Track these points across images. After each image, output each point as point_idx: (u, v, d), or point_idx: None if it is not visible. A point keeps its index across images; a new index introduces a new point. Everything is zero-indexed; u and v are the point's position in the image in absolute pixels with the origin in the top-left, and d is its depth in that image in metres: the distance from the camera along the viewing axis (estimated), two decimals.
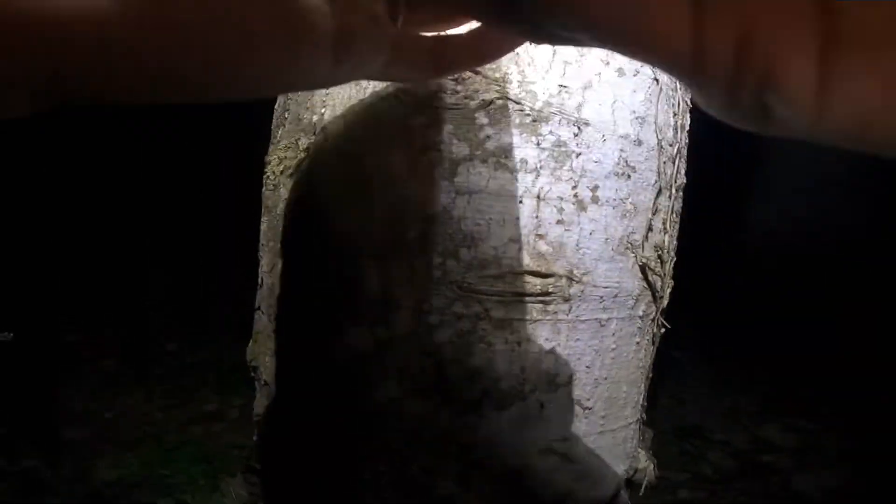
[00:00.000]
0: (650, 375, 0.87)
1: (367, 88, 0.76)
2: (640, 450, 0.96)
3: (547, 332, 0.75)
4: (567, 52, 0.76)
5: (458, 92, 0.75)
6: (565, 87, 0.74)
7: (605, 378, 0.80)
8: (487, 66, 0.75)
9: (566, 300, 0.74)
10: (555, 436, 0.80)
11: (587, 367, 0.78)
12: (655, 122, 0.76)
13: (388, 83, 0.74)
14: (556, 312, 0.74)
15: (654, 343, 0.83)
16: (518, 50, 0.78)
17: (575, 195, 0.71)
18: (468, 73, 0.76)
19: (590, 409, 0.81)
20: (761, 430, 1.70)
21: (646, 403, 0.89)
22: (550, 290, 0.73)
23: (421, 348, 0.75)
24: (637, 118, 0.75)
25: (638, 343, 0.81)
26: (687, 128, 0.84)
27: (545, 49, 0.76)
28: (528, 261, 0.72)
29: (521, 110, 0.73)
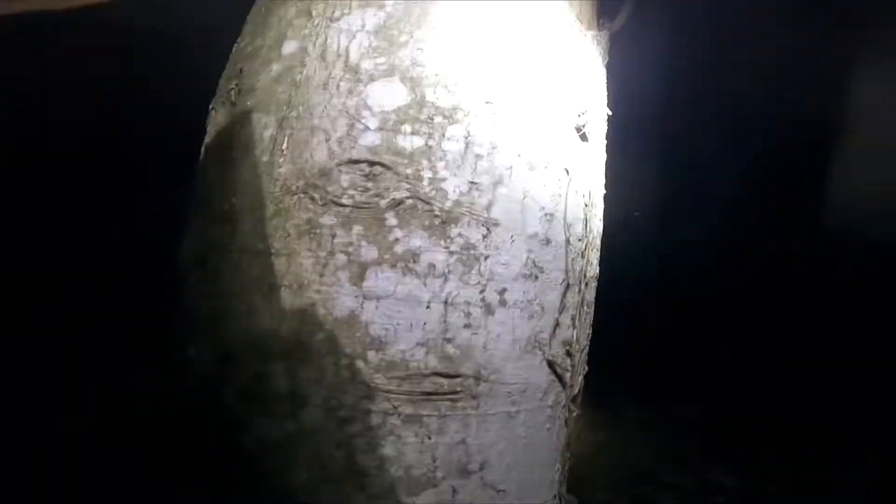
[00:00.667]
0: (568, 453, 0.89)
1: (277, 180, 0.74)
2: None
3: (457, 426, 0.76)
4: (479, 143, 0.75)
5: (368, 189, 0.74)
6: (476, 183, 0.74)
7: (518, 463, 0.82)
8: (399, 160, 0.74)
9: (474, 397, 0.75)
10: None
11: (499, 453, 0.80)
12: (564, 219, 0.77)
13: (301, 179, 0.73)
14: (464, 408, 0.75)
15: (567, 425, 0.85)
16: (430, 143, 0.77)
17: (482, 299, 0.72)
18: (379, 169, 0.75)
19: (504, 491, 0.83)
20: (707, 472, 1.78)
21: (565, 477, 0.91)
22: (458, 389, 0.74)
23: (331, 440, 0.75)
24: (546, 215, 0.75)
25: (549, 429, 0.83)
26: (600, 215, 0.85)
27: (458, 143, 0.75)
28: (435, 363, 0.72)
29: (431, 210, 0.72)
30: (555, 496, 0.91)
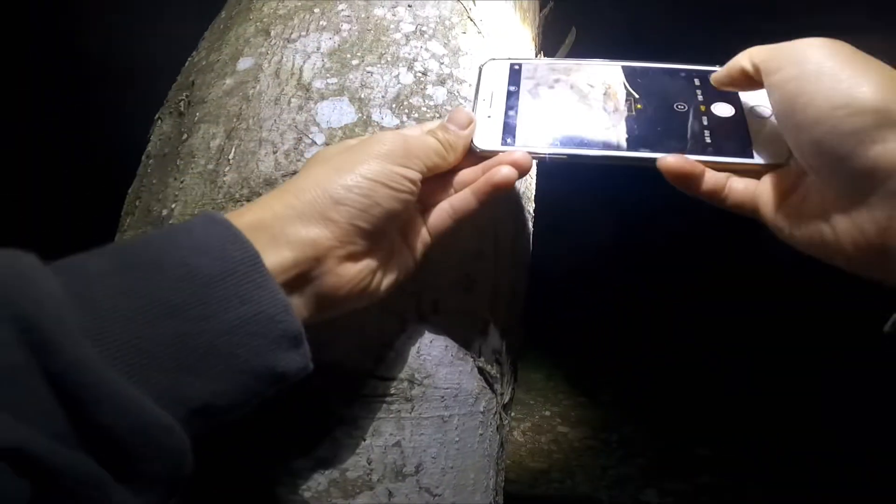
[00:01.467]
0: (503, 463, 0.93)
1: (221, 188, 0.77)
2: None
3: (391, 428, 0.79)
4: None
5: None
6: None
7: (452, 467, 0.85)
8: None
9: (408, 400, 0.78)
10: None
11: (433, 457, 0.83)
12: (496, 234, 0.83)
13: (245, 188, 0.76)
14: (399, 411, 0.79)
15: (499, 432, 0.89)
16: None
17: (417, 307, 0.76)
18: None
19: (440, 496, 0.85)
20: (643, 496, 1.85)
21: (501, 488, 0.94)
22: (392, 392, 0.77)
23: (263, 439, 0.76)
24: (477, 231, 0.81)
25: (482, 434, 0.87)
26: (531, 232, 0.92)
27: None
28: (370, 366, 0.75)
29: None
30: (491, 503, 0.94)
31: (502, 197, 0.80)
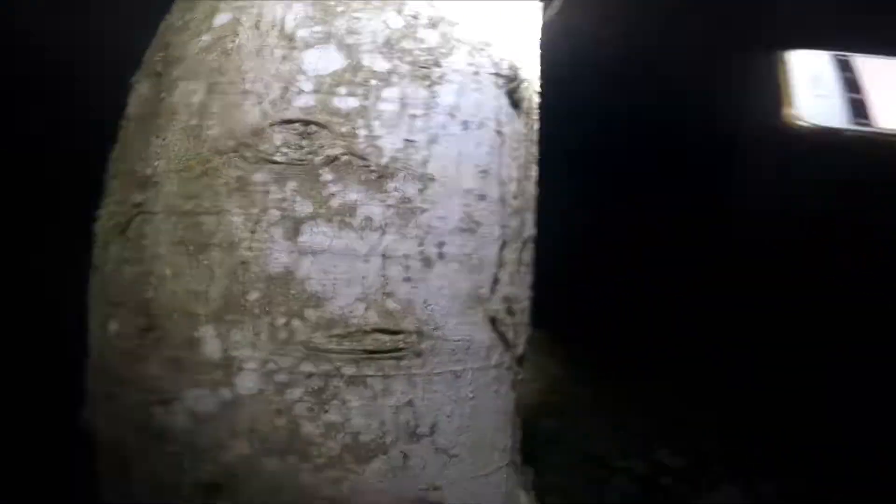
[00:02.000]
0: (519, 420, 0.89)
1: (205, 142, 0.73)
2: (519, 490, 0.98)
3: (402, 386, 0.75)
4: (414, 105, 0.77)
5: (302, 147, 0.74)
6: (412, 141, 0.76)
7: (468, 426, 0.81)
8: (335, 119, 0.75)
9: (418, 355, 0.74)
10: (424, 485, 0.79)
11: (448, 416, 0.79)
12: (499, 176, 0.79)
13: (232, 139, 0.72)
14: (409, 367, 0.74)
15: (514, 388, 0.85)
16: (365, 104, 0.79)
17: (421, 252, 0.72)
18: (314, 127, 0.75)
19: (456, 456, 0.81)
20: (656, 455, 1.84)
21: (518, 446, 0.90)
22: (401, 346, 0.73)
23: (270, 408, 0.72)
24: (480, 171, 0.77)
25: (497, 391, 0.82)
26: (534, 180, 0.88)
27: (393, 104, 0.77)
28: (376, 319, 0.71)
29: (367, 166, 0.73)
30: (509, 463, 0.90)
31: (503, 137, 0.77)
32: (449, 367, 0.77)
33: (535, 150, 0.89)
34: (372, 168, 0.73)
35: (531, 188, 0.87)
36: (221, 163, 0.71)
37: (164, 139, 0.74)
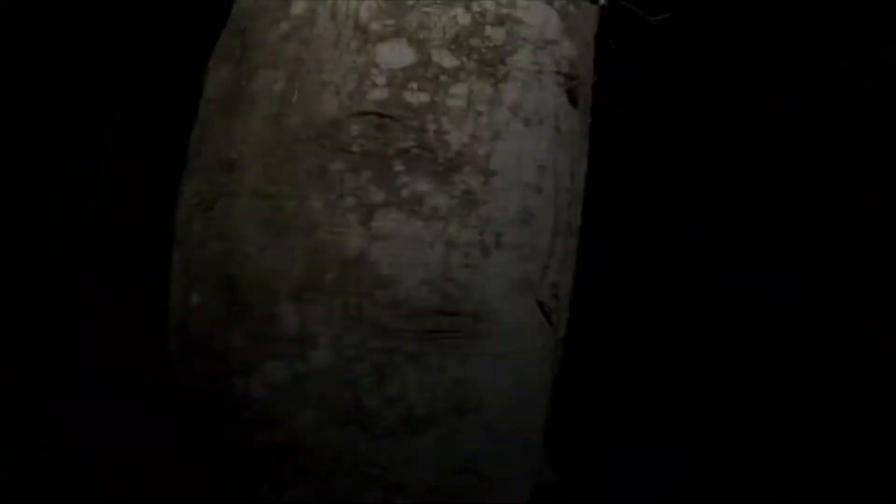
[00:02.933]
0: (550, 398, 0.95)
1: (286, 130, 0.78)
2: (548, 467, 1.05)
3: (456, 364, 0.81)
4: (480, 101, 0.82)
5: (377, 138, 0.78)
6: (476, 137, 0.80)
7: (512, 404, 0.87)
8: (406, 113, 0.80)
9: (473, 335, 0.80)
10: (468, 456, 0.86)
11: (495, 393, 0.85)
12: (555, 171, 0.84)
13: (312, 129, 0.77)
14: (464, 346, 0.81)
15: (552, 370, 0.92)
16: (436, 98, 0.83)
17: (481, 241, 0.78)
18: (388, 121, 0.80)
19: (499, 430, 0.88)
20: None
21: (545, 424, 0.97)
22: (458, 328, 0.79)
23: (339, 380, 0.79)
24: (539, 167, 0.82)
25: (539, 370, 0.89)
26: (583, 174, 0.92)
27: (461, 100, 0.81)
28: (438, 301, 0.77)
29: (435, 159, 0.78)
30: (542, 440, 0.97)
31: (560, 134, 0.81)
32: (500, 347, 0.83)
33: (586, 145, 0.93)
34: (439, 161, 0.77)
35: (581, 182, 0.91)
36: (303, 151, 0.76)
37: (247, 125, 0.79)
